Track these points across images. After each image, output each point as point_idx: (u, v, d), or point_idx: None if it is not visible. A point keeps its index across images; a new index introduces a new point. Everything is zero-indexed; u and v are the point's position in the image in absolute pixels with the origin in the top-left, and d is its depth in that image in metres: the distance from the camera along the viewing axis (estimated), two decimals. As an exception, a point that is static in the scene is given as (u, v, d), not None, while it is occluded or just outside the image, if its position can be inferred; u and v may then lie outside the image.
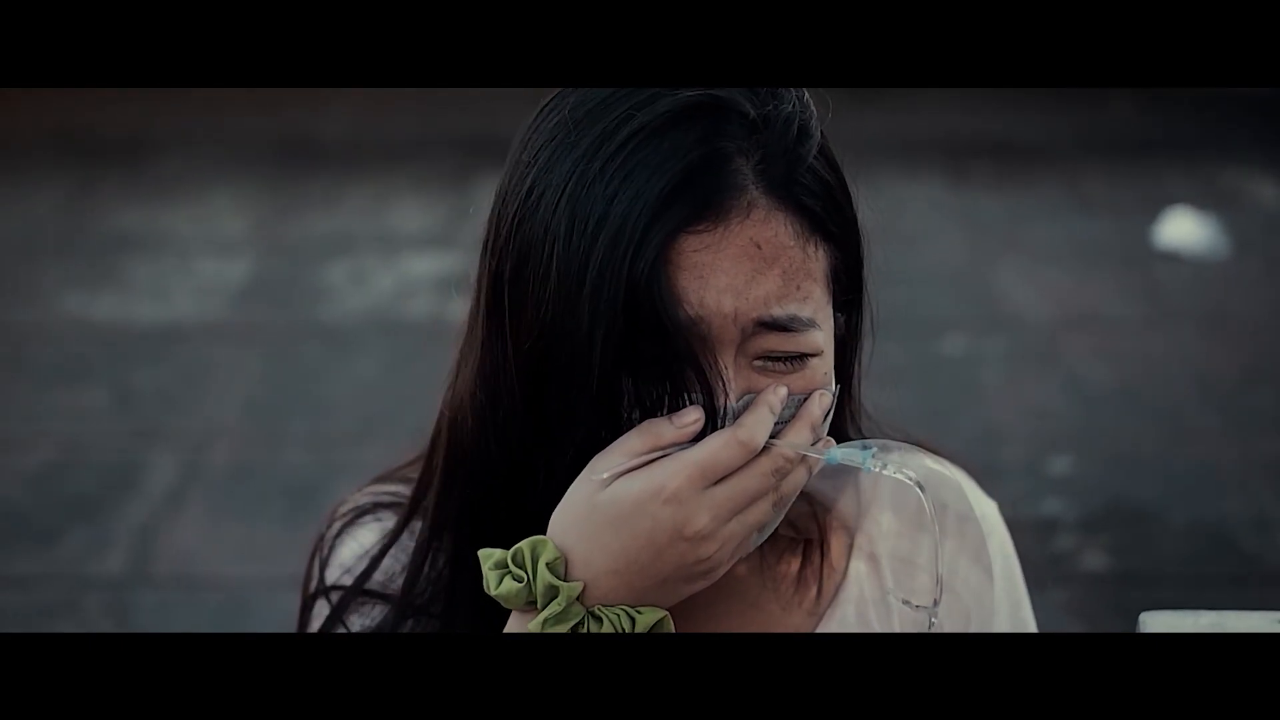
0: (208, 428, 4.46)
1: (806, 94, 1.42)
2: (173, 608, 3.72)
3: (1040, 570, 3.63)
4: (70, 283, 5.28)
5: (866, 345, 1.51)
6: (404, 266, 5.33)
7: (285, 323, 5.05)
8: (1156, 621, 1.30)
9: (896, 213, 5.41)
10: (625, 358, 1.34)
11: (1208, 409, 4.46)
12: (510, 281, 1.38)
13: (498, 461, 1.44)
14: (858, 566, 1.57)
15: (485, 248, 1.42)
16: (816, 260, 1.37)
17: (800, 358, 1.37)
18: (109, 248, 5.50)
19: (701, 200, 1.33)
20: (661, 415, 1.36)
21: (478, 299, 1.44)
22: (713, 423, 1.35)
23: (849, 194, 1.41)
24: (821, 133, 1.41)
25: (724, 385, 1.35)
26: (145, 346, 4.90)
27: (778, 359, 1.36)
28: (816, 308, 1.37)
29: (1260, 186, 5.75)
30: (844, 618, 1.55)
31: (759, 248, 1.33)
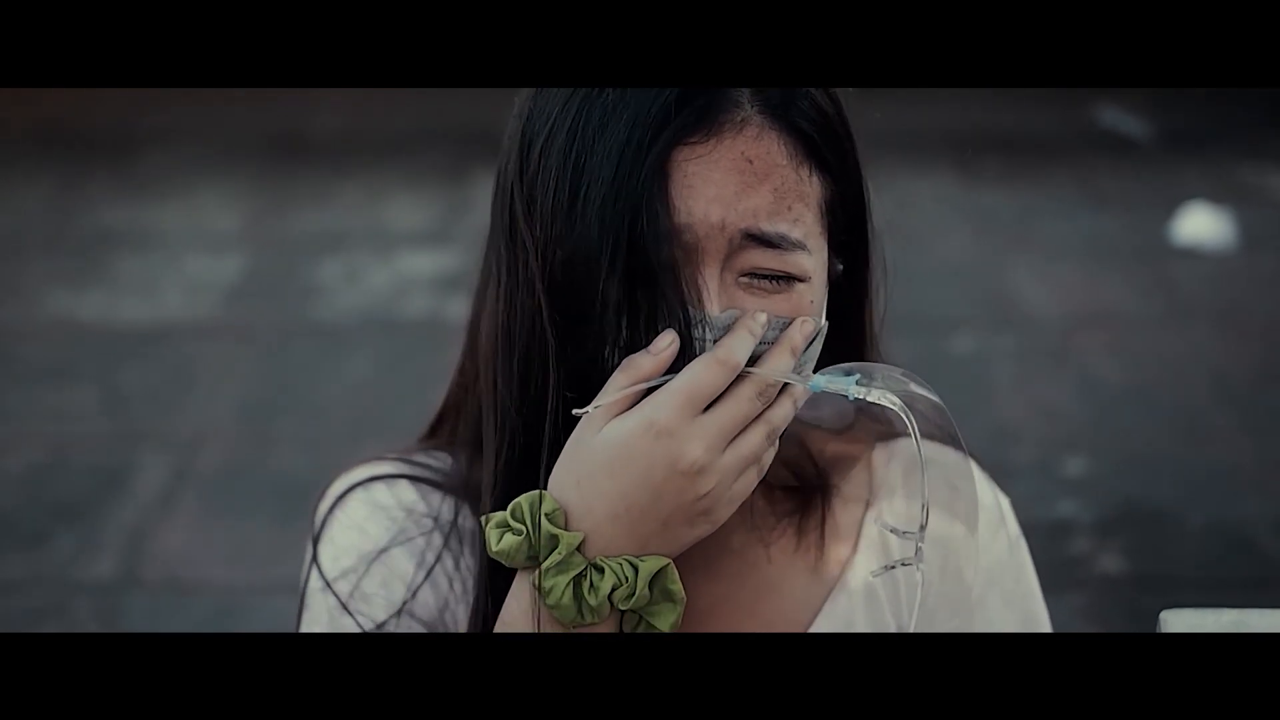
0: (198, 429, 4.41)
1: None
2: (163, 611, 3.67)
3: (1055, 573, 3.60)
4: (57, 281, 5.23)
5: (880, 310, 1.53)
6: (398, 264, 5.29)
7: (277, 321, 5.00)
8: (1177, 620, 1.29)
9: (906, 209, 5.40)
10: (620, 267, 1.35)
11: (1224, 407, 4.41)
12: (525, 202, 1.40)
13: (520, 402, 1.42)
14: (869, 536, 1.57)
15: (499, 173, 1.44)
16: (810, 185, 1.38)
17: (787, 279, 1.37)
18: (96, 245, 5.45)
19: (697, 113, 1.35)
20: (648, 325, 1.36)
21: (494, 223, 1.45)
22: (695, 330, 1.35)
23: (849, 130, 1.42)
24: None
25: (707, 294, 1.36)
26: (134, 346, 4.85)
27: (764, 277, 1.37)
28: (807, 232, 1.37)
29: (1277, 181, 5.73)
30: (853, 590, 1.55)
31: (750, 162, 1.35)
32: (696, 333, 1.35)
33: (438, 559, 1.53)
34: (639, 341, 1.36)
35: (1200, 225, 5.35)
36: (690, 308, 1.35)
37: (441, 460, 1.59)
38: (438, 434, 1.61)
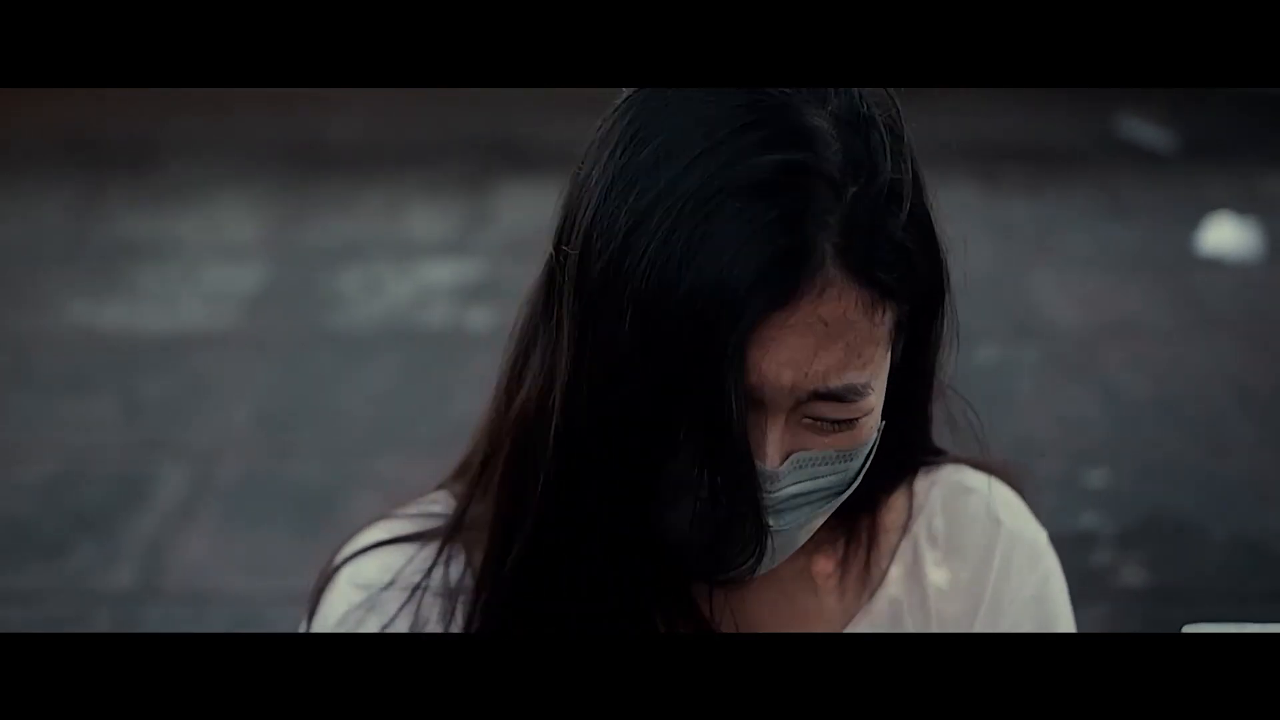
0: (218, 439, 4.39)
1: (906, 139, 1.35)
2: (183, 621, 3.65)
3: (1078, 585, 3.59)
4: (76, 291, 5.22)
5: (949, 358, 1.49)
6: (419, 274, 5.27)
7: (297, 331, 4.98)
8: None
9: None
10: (683, 420, 1.31)
11: (1248, 419, 4.39)
12: (585, 322, 1.34)
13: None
14: (899, 568, 1.54)
15: (566, 255, 1.37)
16: (882, 324, 1.33)
17: (850, 421, 1.34)
18: (116, 255, 5.44)
19: (783, 291, 1.28)
20: (701, 478, 1.32)
21: (555, 304, 1.39)
22: (751, 484, 1.32)
23: (934, 249, 1.37)
24: (913, 165, 1.35)
25: (769, 445, 1.33)
26: (153, 356, 4.84)
27: (828, 421, 1.34)
28: (874, 371, 1.34)
29: (1301, 191, 5.71)
30: (877, 616, 1.53)
31: (825, 324, 1.30)
32: (757, 481, 1.33)
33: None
34: (690, 484, 1.33)
35: (1224, 235, 5.32)
36: (754, 461, 1.32)
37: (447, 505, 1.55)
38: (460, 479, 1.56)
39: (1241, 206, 5.46)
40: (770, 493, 1.33)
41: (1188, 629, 1.27)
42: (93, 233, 5.62)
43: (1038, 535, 1.58)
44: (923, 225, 1.35)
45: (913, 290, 1.35)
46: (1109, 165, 5.88)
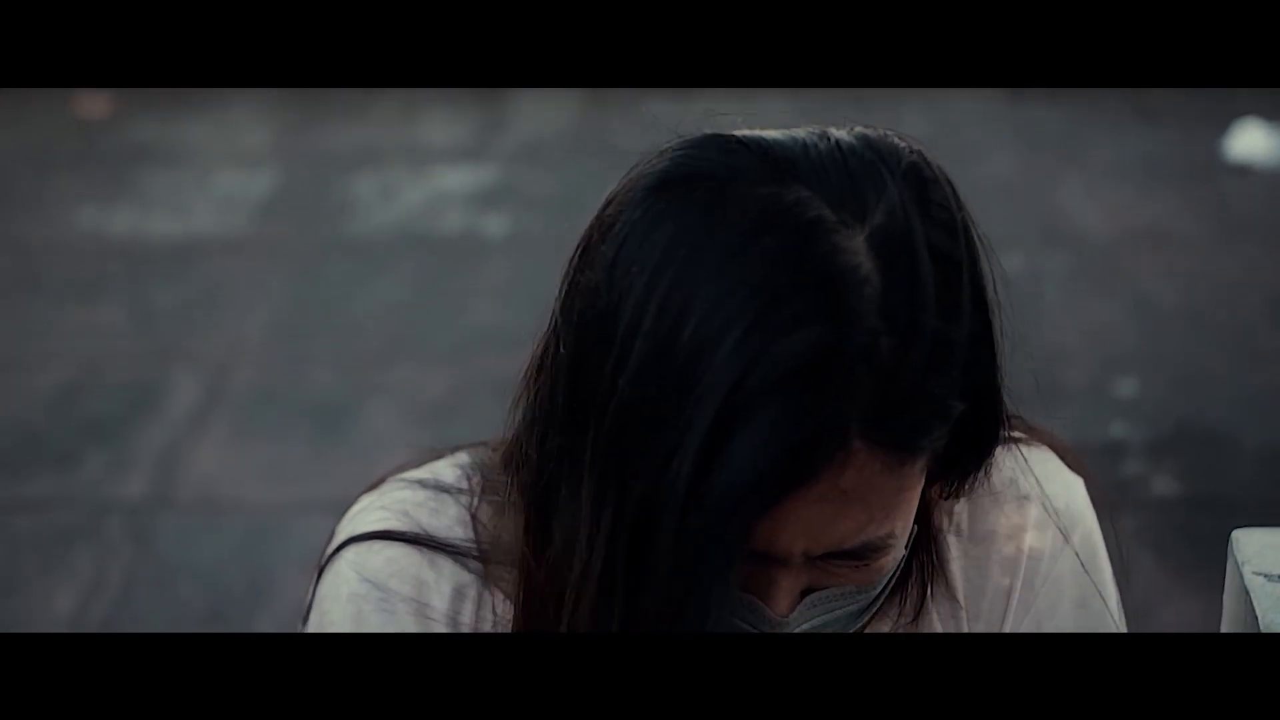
0: (230, 347, 4.36)
1: (959, 251, 1.19)
2: (195, 532, 3.63)
3: (1109, 496, 3.55)
4: (86, 197, 5.18)
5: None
6: (433, 180, 5.23)
7: (310, 238, 4.95)
8: (1248, 540, 1.23)
9: (954, 127, 5.34)
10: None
11: (1278, 327, 4.36)
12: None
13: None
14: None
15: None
16: (913, 473, 1.21)
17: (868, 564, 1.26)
18: (126, 160, 5.40)
19: (803, 478, 1.17)
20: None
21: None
22: (764, 627, 1.26)
23: (987, 363, 1.21)
24: (969, 272, 1.19)
25: (778, 596, 1.25)
26: (165, 263, 4.81)
27: (846, 566, 1.25)
28: (899, 516, 1.23)
29: (1333, 96, 5.66)
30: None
31: (845, 493, 1.18)
32: (765, 629, 1.26)
33: None
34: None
35: (1253, 142, 5.28)
36: (760, 611, 1.25)
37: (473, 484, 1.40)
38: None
39: (1270, 113, 5.41)
40: (779, 629, 1.26)
41: (1237, 534, 1.23)
42: (102, 138, 5.57)
43: (1069, 504, 1.44)
44: (975, 340, 1.20)
45: (957, 425, 1.21)
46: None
